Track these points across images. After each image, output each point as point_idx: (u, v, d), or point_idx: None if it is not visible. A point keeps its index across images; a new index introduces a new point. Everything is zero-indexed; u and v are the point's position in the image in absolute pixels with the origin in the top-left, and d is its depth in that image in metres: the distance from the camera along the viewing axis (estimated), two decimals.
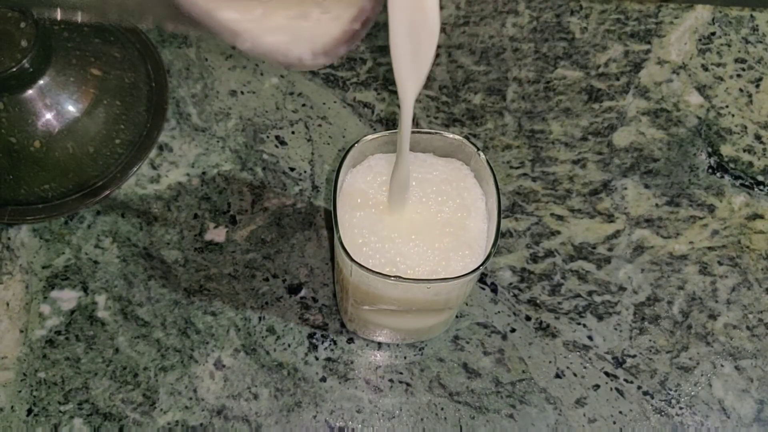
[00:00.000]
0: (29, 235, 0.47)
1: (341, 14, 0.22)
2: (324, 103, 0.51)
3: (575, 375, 0.44)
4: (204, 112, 0.51)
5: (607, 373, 0.44)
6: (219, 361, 0.44)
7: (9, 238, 0.47)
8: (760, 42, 0.54)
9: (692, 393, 0.44)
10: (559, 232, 0.48)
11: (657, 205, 0.49)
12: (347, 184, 0.37)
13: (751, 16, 0.55)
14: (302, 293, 0.46)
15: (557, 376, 0.44)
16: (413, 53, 0.28)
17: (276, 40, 0.19)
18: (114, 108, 0.48)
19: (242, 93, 0.51)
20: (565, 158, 0.50)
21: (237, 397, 0.43)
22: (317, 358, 0.44)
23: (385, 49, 0.53)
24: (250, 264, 0.46)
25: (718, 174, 0.50)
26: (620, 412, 0.43)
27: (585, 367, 0.44)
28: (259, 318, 0.45)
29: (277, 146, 0.50)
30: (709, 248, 0.48)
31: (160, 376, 0.43)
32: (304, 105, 0.51)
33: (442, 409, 0.43)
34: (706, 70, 0.53)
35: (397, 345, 0.45)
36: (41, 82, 0.45)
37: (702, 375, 0.44)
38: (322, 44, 0.20)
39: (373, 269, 0.34)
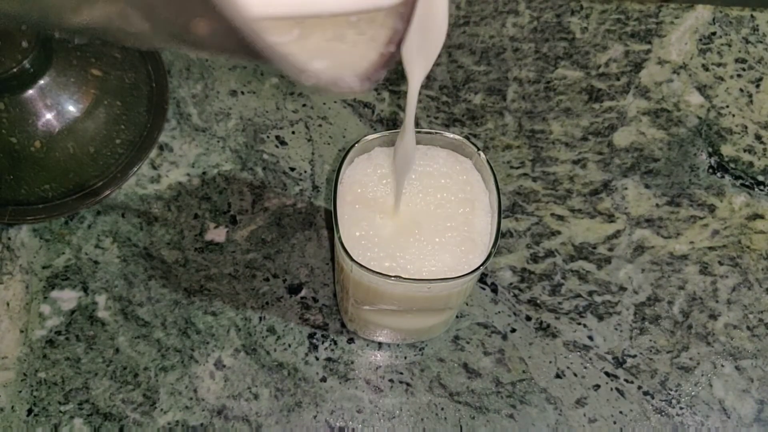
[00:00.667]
0: (29, 235, 0.47)
1: (376, 35, 0.22)
2: (324, 103, 0.51)
3: (575, 375, 0.44)
4: (204, 112, 0.51)
5: (607, 373, 0.44)
6: (219, 361, 0.44)
7: (9, 238, 0.47)
8: (761, 42, 0.54)
9: (692, 393, 0.44)
10: (559, 232, 0.48)
11: (657, 205, 0.49)
12: (347, 177, 0.37)
13: (752, 16, 0.55)
14: (302, 293, 0.46)
15: (557, 376, 0.44)
16: (422, 38, 0.28)
17: (322, 66, 0.19)
18: (114, 108, 0.48)
19: (242, 93, 0.51)
20: (565, 158, 0.50)
21: (237, 397, 0.43)
22: (317, 358, 0.44)
23: None
24: (250, 264, 0.46)
25: (718, 174, 0.50)
26: (620, 412, 0.43)
27: (585, 367, 0.44)
28: (260, 318, 0.45)
29: (277, 146, 0.50)
30: (710, 248, 0.48)
31: (160, 376, 0.43)
32: (304, 105, 0.51)
33: (443, 409, 0.43)
34: (707, 70, 0.53)
35: (398, 345, 0.45)
36: (42, 82, 0.45)
37: (702, 375, 0.44)
38: (364, 69, 0.21)
39: (373, 264, 0.34)
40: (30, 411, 0.43)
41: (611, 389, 0.44)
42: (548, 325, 0.45)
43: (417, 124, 0.51)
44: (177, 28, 0.16)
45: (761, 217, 0.49)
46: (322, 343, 0.45)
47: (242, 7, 0.14)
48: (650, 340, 0.45)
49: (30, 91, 0.45)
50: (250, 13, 0.16)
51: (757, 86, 0.53)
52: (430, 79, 0.52)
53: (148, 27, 0.16)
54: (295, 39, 0.19)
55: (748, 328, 0.46)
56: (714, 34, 0.54)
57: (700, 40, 0.54)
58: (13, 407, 0.43)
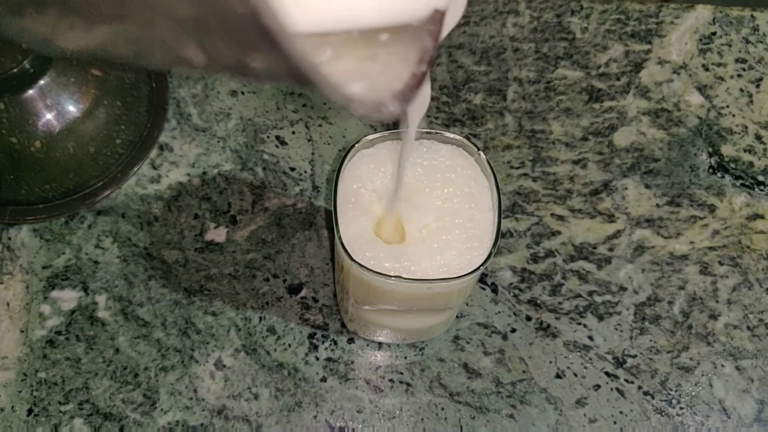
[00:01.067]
0: (30, 235, 0.47)
1: (407, 55, 0.22)
2: (324, 103, 0.51)
3: (576, 375, 0.44)
4: (204, 112, 0.51)
5: (607, 373, 0.44)
6: (219, 361, 0.44)
7: (9, 238, 0.47)
8: (761, 42, 0.54)
9: (693, 393, 0.44)
10: (559, 232, 0.48)
11: (657, 205, 0.49)
12: (347, 177, 0.37)
13: (752, 16, 0.55)
14: (303, 293, 0.46)
15: (558, 376, 0.44)
16: None
17: (359, 88, 0.19)
18: (115, 108, 0.48)
19: (243, 93, 0.51)
20: (565, 158, 0.50)
21: (237, 397, 0.43)
22: (318, 358, 0.44)
23: None
24: (250, 264, 0.46)
25: (718, 174, 0.50)
26: (621, 412, 0.43)
27: (585, 368, 0.44)
28: (260, 318, 0.45)
29: (277, 146, 0.50)
30: (710, 248, 0.48)
31: (160, 376, 0.43)
32: (304, 105, 0.51)
33: (443, 409, 0.43)
34: (707, 70, 0.53)
35: (398, 345, 0.45)
36: (42, 82, 0.45)
37: (702, 375, 0.44)
38: (399, 89, 0.21)
39: (372, 263, 0.34)
40: (30, 411, 0.43)
41: (611, 389, 0.44)
42: (548, 325, 0.45)
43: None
44: (233, 58, 0.16)
45: (761, 217, 0.49)
46: (322, 343, 0.45)
47: (286, 25, 0.14)
48: (650, 340, 0.45)
49: (30, 91, 0.45)
50: (292, 29, 0.16)
51: (757, 86, 0.53)
52: (430, 79, 0.52)
53: (203, 58, 0.16)
54: (328, 59, 0.19)
55: (748, 328, 0.46)
56: (714, 34, 0.54)
57: (700, 40, 0.54)
58: (13, 407, 0.43)
